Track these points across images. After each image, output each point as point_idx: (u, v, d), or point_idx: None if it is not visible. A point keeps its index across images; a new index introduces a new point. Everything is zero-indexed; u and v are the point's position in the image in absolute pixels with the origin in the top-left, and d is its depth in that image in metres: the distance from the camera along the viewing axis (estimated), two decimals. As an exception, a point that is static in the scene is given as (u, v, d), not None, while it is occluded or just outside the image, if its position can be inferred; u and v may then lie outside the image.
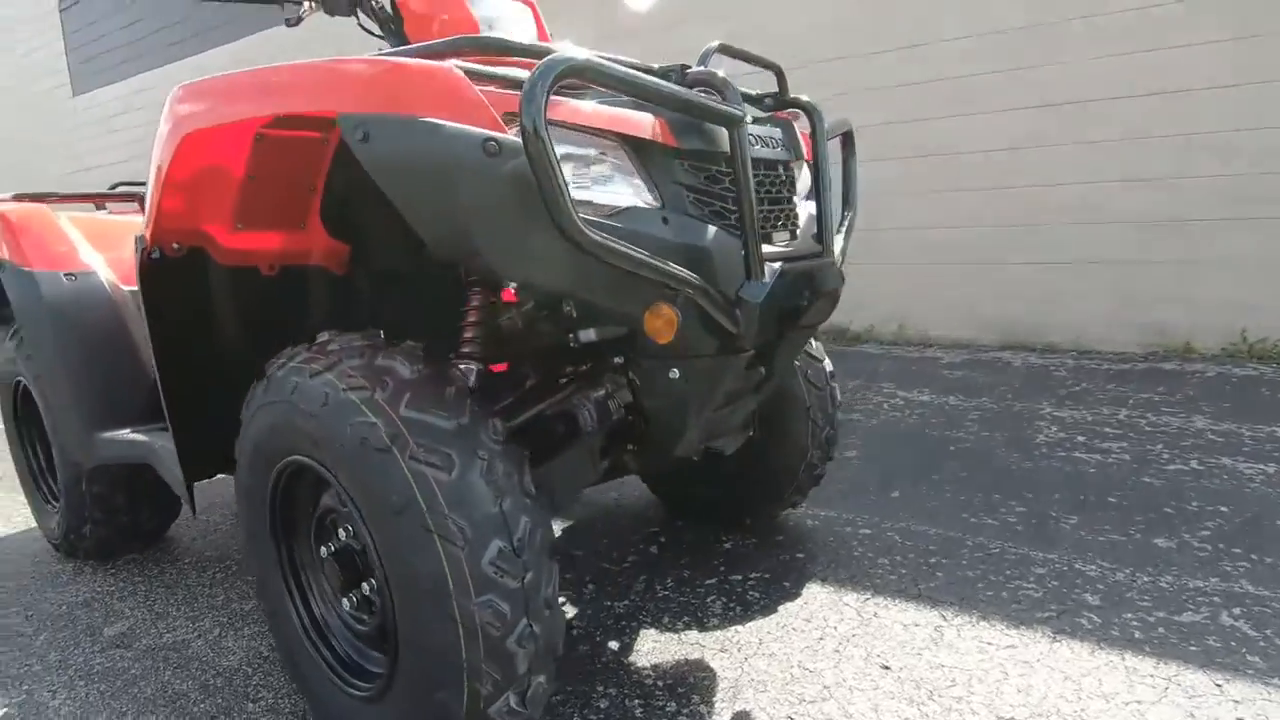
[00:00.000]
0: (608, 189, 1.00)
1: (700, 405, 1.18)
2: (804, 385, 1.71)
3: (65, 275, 1.58)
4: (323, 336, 1.07)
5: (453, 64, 0.87)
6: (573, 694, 1.29)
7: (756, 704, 1.24)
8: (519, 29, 1.45)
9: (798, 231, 1.28)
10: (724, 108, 1.00)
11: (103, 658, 1.50)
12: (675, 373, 1.14)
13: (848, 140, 1.56)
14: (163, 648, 1.52)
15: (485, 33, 1.38)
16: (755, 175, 1.15)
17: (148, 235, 1.18)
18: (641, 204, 1.02)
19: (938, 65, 4.08)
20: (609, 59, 1.03)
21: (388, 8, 1.44)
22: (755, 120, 1.28)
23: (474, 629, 0.87)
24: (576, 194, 0.96)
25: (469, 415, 0.95)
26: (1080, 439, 2.46)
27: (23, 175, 11.58)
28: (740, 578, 1.67)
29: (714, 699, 1.26)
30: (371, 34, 1.48)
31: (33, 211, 1.71)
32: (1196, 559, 1.63)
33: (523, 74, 0.87)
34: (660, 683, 1.31)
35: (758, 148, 1.15)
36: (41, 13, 10.85)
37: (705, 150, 1.05)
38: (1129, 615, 1.43)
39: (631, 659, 1.39)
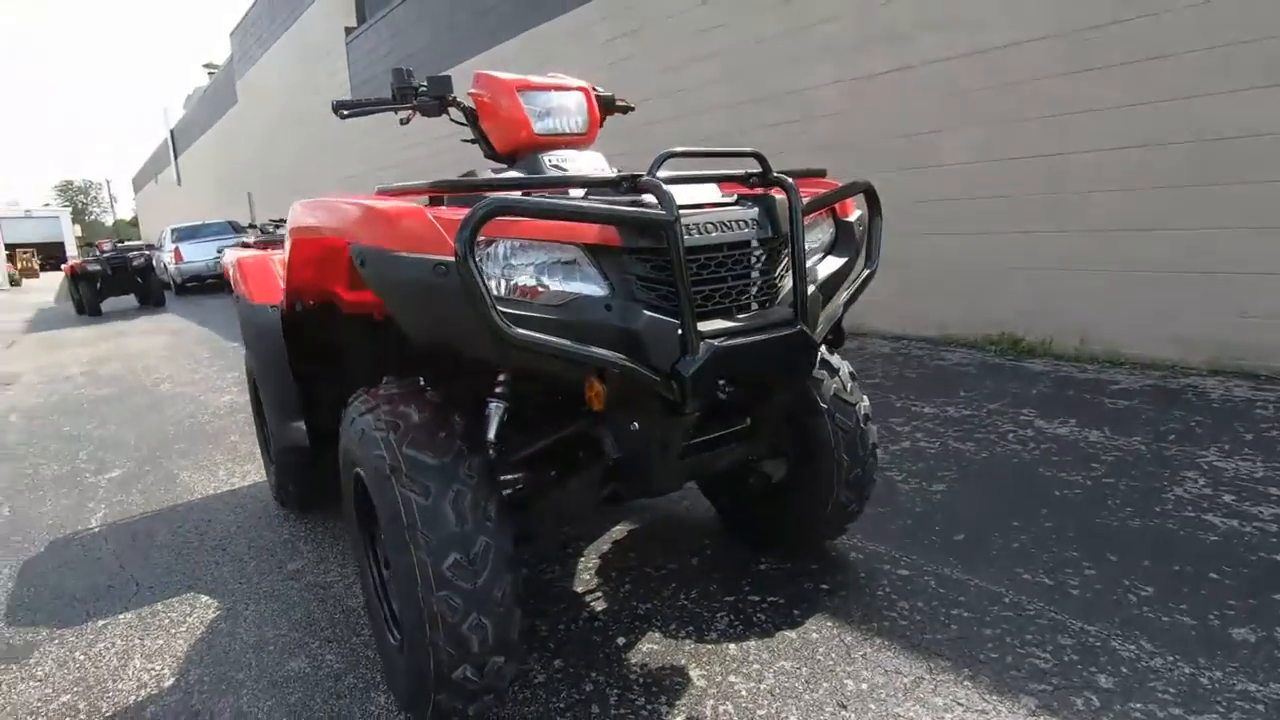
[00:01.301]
0: (568, 282, 1.24)
1: (660, 452, 1.38)
2: (830, 427, 1.79)
3: (271, 306, 2.19)
4: (385, 381, 1.45)
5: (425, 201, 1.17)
6: (570, 674, 1.57)
7: (712, 713, 1.42)
8: (574, 115, 1.69)
9: (776, 300, 1.40)
10: (650, 214, 1.18)
11: (281, 585, 2.09)
12: (635, 425, 1.35)
13: (871, 198, 1.60)
14: (317, 585, 2.08)
15: (541, 120, 1.65)
16: (716, 257, 1.31)
17: (285, 300, 1.66)
18: (594, 292, 1.24)
19: (1148, 43, 3.56)
20: (557, 177, 1.26)
21: (471, 105, 1.78)
22: (739, 201, 1.41)
23: (434, 615, 1.19)
24: (549, 285, 1.22)
25: (451, 455, 1.26)
26: (1227, 498, 2.16)
27: (315, 171, 14.31)
28: (758, 599, 1.81)
29: (678, 701, 1.46)
30: (459, 123, 1.84)
31: (258, 258, 2.37)
32: (1270, 660, 1.45)
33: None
34: (641, 680, 1.54)
35: (716, 233, 1.30)
36: (337, 42, 13.18)
37: (651, 245, 1.23)
38: (1136, 705, 1.35)
39: (628, 655, 1.63)
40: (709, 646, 1.64)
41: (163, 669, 1.73)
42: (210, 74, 24.06)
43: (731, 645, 1.63)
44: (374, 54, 11.75)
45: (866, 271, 1.61)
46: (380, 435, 1.28)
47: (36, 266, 31.09)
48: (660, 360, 1.23)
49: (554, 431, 1.58)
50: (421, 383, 1.44)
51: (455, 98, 1.80)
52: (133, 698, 1.63)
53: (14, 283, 29.01)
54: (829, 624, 1.69)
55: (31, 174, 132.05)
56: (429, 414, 1.32)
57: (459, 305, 1.11)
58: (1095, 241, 3.94)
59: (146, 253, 13.16)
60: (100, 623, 1.98)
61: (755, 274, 1.37)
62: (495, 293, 1.18)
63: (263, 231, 10.98)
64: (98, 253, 12.75)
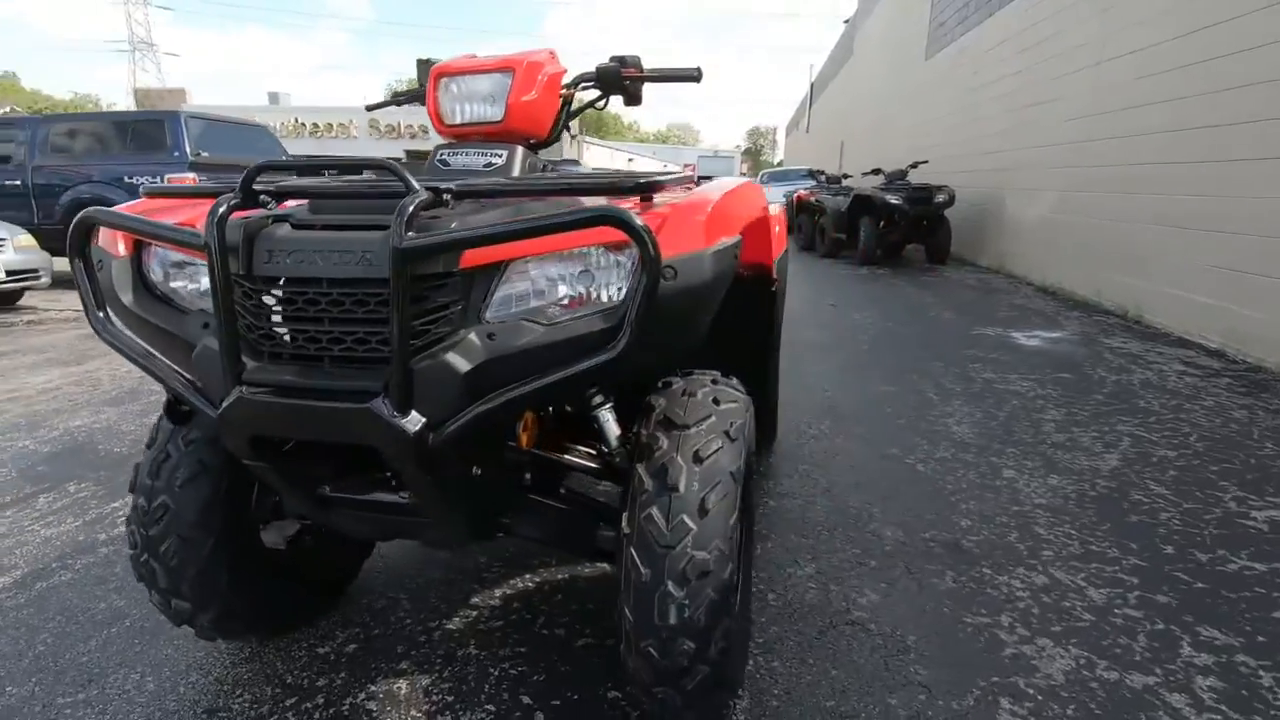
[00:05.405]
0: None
1: (274, 482, 1.24)
2: (622, 564, 1.20)
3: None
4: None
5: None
6: (331, 658, 1.61)
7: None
8: (483, 103, 1.47)
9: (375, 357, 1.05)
10: (186, 235, 1.06)
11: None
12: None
13: (633, 236, 0.97)
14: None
15: (448, 110, 1.52)
16: (305, 293, 1.08)
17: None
18: None
19: None
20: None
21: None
22: (319, 225, 1.09)
23: (128, 537, 1.44)
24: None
25: (182, 424, 1.43)
26: None
27: (893, 119, 14.19)
28: (529, 703, 1.43)
29: None
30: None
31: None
32: None
33: None
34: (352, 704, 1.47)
35: (307, 264, 1.05)
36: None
37: (239, 271, 1.09)
38: None
39: (376, 679, 1.55)
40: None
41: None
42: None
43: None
44: (952, -7, 10.79)
45: (608, 354, 1.01)
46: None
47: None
48: (215, 394, 1.13)
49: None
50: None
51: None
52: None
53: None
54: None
55: (728, 120, 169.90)
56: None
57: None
58: None
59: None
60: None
61: (365, 321, 1.06)
62: (179, 288, 1.28)
63: (824, 182, 11.78)
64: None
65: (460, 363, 1.03)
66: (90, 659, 1.63)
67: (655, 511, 1.17)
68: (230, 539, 1.45)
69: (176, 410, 1.27)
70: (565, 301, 1.10)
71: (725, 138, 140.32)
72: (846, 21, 25.24)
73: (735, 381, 1.47)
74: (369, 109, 2.00)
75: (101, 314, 1.20)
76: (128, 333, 1.21)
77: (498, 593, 1.89)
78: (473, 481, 1.20)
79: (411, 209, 0.99)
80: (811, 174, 16.26)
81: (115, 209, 1.19)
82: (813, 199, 11.16)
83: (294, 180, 1.17)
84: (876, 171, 9.53)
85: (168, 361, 1.20)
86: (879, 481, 2.56)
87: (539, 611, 1.80)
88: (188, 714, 1.46)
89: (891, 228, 8.97)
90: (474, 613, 1.80)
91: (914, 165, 9.20)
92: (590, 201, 1.25)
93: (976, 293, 7.01)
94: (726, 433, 1.26)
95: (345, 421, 1.03)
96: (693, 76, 1.74)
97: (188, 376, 1.17)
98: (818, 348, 4.64)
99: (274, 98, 27.12)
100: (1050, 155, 7.13)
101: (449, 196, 1.06)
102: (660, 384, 1.38)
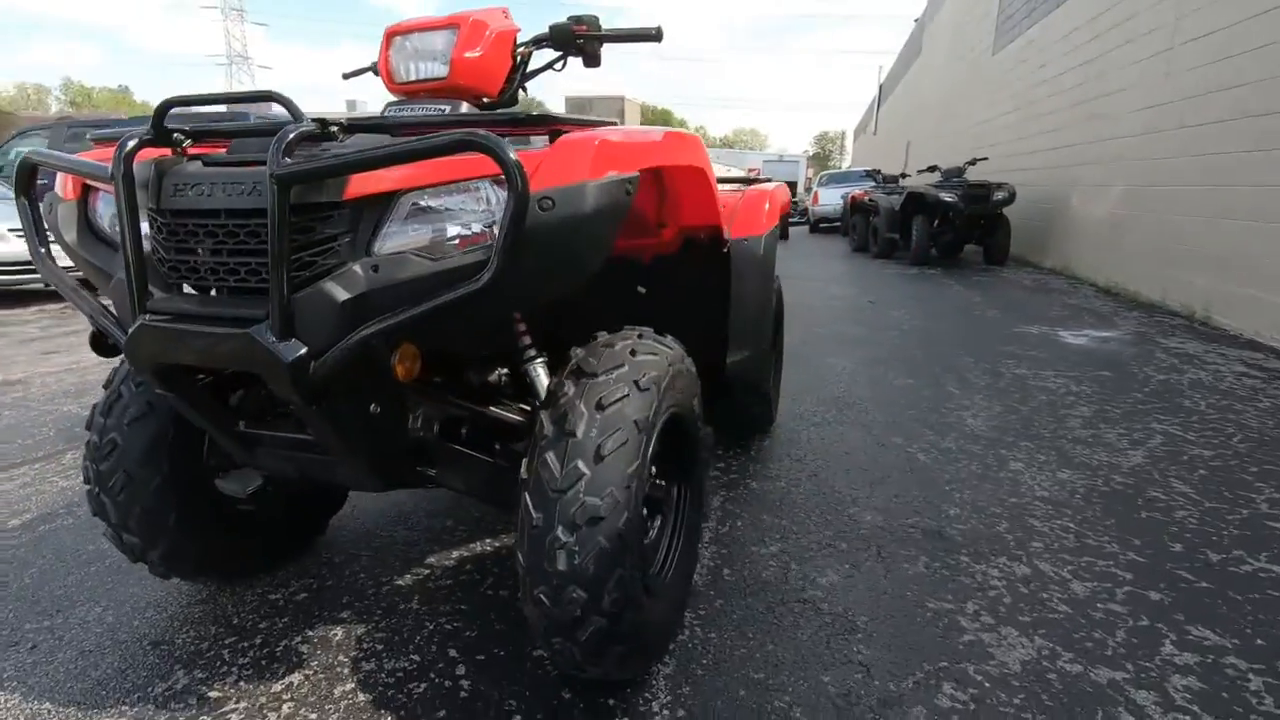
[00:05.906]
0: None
1: (196, 416, 1.28)
2: (521, 505, 1.18)
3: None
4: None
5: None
6: (272, 609, 1.65)
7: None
8: (430, 60, 1.50)
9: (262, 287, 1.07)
10: (97, 169, 1.11)
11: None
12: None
13: (502, 166, 0.97)
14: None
15: (398, 69, 1.55)
16: (206, 224, 1.11)
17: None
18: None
19: None
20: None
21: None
22: (229, 161, 1.11)
23: (84, 472, 1.52)
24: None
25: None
26: None
27: (959, 115, 13.66)
28: (454, 656, 1.42)
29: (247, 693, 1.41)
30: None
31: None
32: None
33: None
34: (267, 659, 1.51)
35: (209, 196, 1.08)
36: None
37: (151, 205, 1.14)
38: None
39: (304, 630, 1.58)
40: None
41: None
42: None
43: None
44: (1020, -17, 10.32)
45: (474, 285, 1.00)
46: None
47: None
48: (127, 325, 1.17)
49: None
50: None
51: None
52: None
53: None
54: None
55: (796, 126, 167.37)
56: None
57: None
58: None
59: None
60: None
61: (256, 251, 1.08)
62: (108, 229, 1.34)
63: (880, 181, 11.45)
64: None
65: (338, 292, 1.04)
66: (65, 592, 1.73)
67: (551, 456, 1.16)
68: (179, 480, 1.51)
69: (102, 344, 1.33)
70: (468, 236, 1.10)
71: (793, 143, 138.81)
72: (916, 20, 24.52)
73: (670, 339, 1.44)
74: (345, 77, 2.06)
75: (42, 249, 1.27)
76: (61, 268, 1.28)
77: (454, 554, 1.90)
78: (372, 419, 1.21)
79: (291, 137, 1.01)
80: (870, 174, 15.86)
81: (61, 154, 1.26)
82: (867, 198, 10.86)
83: (218, 124, 1.21)
84: (933, 169, 9.20)
85: (96, 297, 1.25)
86: (871, 468, 2.45)
87: (489, 573, 1.80)
88: (135, 645, 1.53)
89: (946, 226, 8.63)
90: (426, 571, 1.82)
91: (972, 162, 8.83)
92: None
93: (1029, 292, 6.66)
94: (636, 382, 1.23)
95: (227, 347, 1.05)
96: (651, 36, 1.71)
97: (110, 310, 1.22)
98: (844, 341, 4.50)
99: (351, 105, 28.49)
100: (1118, 149, 6.71)
101: (337, 129, 1.08)
102: (592, 338, 1.37)
